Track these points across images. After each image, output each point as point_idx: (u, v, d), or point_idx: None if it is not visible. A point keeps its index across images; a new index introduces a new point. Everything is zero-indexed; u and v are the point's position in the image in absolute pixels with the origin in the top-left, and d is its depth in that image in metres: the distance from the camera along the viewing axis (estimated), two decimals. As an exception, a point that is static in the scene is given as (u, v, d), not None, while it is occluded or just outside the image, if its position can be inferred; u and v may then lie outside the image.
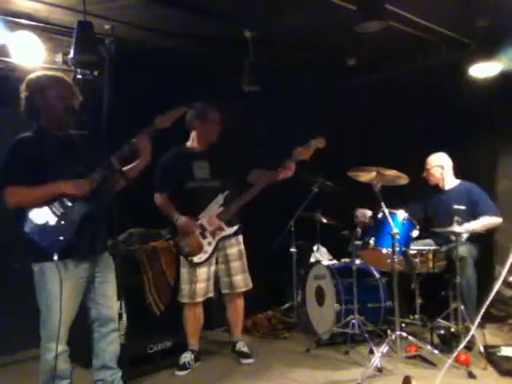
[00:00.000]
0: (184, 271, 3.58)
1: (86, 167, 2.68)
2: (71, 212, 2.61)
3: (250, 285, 3.75)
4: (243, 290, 3.73)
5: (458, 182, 4.34)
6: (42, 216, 2.57)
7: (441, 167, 4.31)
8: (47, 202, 2.59)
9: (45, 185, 2.58)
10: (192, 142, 3.70)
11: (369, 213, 4.05)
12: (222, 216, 3.54)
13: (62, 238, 2.56)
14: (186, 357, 3.62)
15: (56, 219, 2.58)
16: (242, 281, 3.70)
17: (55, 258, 2.53)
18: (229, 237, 3.63)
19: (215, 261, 3.65)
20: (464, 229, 3.74)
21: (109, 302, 2.81)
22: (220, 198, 3.55)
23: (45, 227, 2.55)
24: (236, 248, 3.68)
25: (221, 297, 4.42)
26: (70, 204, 2.62)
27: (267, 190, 3.56)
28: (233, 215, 3.56)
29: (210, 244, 3.56)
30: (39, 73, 2.78)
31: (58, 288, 2.55)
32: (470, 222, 3.95)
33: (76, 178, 2.64)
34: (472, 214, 4.05)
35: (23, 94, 2.68)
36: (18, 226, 2.58)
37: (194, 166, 3.60)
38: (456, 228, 3.61)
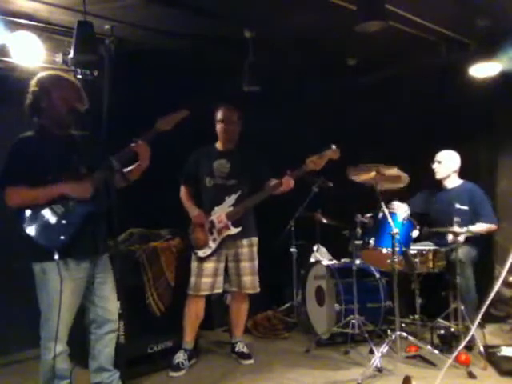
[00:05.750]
0: (193, 264, 3.67)
1: (86, 167, 2.69)
2: (72, 212, 2.61)
3: (258, 289, 3.77)
4: (250, 291, 3.75)
5: (460, 181, 4.35)
6: (42, 215, 2.57)
7: (451, 164, 4.31)
8: (48, 202, 2.59)
9: (46, 187, 2.58)
10: (217, 143, 3.83)
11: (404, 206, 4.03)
12: (230, 215, 3.60)
13: (62, 237, 2.56)
14: (180, 357, 3.62)
15: (57, 218, 2.58)
16: (250, 282, 3.72)
17: (56, 257, 2.53)
18: (238, 237, 3.65)
19: (225, 258, 3.70)
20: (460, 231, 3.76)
21: (106, 304, 2.81)
22: (233, 198, 3.63)
23: (45, 226, 2.55)
24: (247, 249, 3.71)
25: (221, 297, 4.44)
26: (71, 203, 2.62)
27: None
28: (240, 216, 3.60)
29: (214, 240, 3.63)
30: (51, 72, 2.81)
31: (59, 287, 2.55)
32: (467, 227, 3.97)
33: (77, 178, 2.64)
34: (472, 215, 4.07)
35: (31, 89, 2.69)
36: (18, 225, 2.58)
37: (214, 164, 3.72)
38: (456, 228, 3.61)
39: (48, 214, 2.57)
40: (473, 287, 3.90)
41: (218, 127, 3.75)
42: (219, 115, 3.75)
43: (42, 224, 2.56)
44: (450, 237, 3.92)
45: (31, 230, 2.55)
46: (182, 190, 3.82)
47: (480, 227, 4.04)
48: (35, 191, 2.57)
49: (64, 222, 2.58)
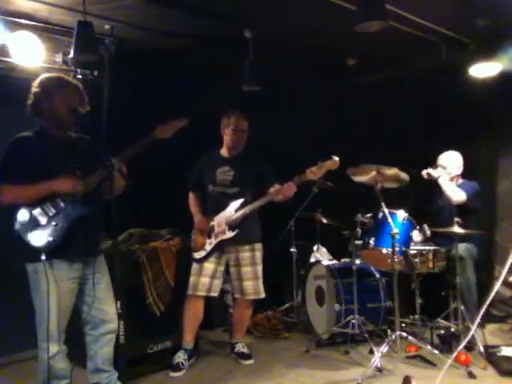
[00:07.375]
0: (193, 265, 3.71)
1: (83, 169, 2.68)
2: (63, 213, 2.61)
3: (262, 294, 3.74)
4: (252, 297, 3.73)
5: (461, 181, 4.33)
6: (33, 215, 2.57)
7: (456, 169, 4.26)
8: (40, 201, 2.59)
9: (37, 185, 2.58)
10: (223, 149, 3.82)
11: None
12: (229, 221, 3.61)
13: (50, 238, 2.56)
14: (180, 356, 3.62)
15: (47, 219, 2.58)
16: (252, 287, 3.69)
17: (43, 257, 2.53)
18: (239, 242, 3.65)
19: (225, 262, 3.72)
20: (435, 172, 3.99)
21: (101, 305, 2.79)
22: (235, 205, 3.64)
23: (35, 227, 2.56)
24: (249, 253, 3.70)
25: (222, 297, 4.44)
26: (62, 205, 2.62)
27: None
28: (239, 221, 3.59)
29: (210, 244, 3.67)
30: (54, 74, 2.81)
31: (52, 288, 2.56)
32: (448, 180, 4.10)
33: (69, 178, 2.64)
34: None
35: (33, 90, 2.69)
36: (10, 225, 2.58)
37: (217, 171, 3.74)
38: (456, 229, 3.61)
39: (39, 215, 2.58)
40: (474, 286, 3.89)
41: (228, 134, 3.73)
42: (230, 123, 3.72)
43: (32, 224, 2.56)
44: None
45: (20, 229, 2.56)
46: (190, 197, 3.89)
47: (454, 187, 4.03)
48: (28, 189, 2.58)
49: (54, 223, 2.58)
